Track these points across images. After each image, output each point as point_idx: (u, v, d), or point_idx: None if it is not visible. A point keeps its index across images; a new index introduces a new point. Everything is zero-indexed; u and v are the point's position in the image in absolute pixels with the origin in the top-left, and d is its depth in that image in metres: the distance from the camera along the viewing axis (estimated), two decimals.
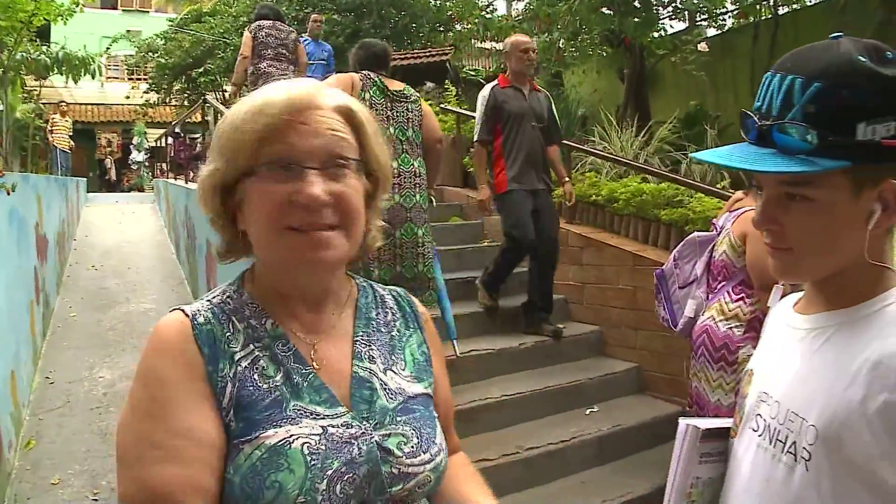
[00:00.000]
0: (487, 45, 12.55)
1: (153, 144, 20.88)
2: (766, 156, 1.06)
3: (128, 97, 22.74)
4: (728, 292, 3.45)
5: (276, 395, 1.11)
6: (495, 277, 5.37)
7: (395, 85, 4.70)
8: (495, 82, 5.50)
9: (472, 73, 13.12)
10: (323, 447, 1.09)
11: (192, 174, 12.46)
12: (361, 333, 1.27)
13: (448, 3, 12.97)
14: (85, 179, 16.46)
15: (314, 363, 1.18)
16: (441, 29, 14.85)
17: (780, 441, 1.12)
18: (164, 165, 16.36)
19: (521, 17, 9.86)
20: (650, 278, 4.16)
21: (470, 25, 10.89)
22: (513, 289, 5.56)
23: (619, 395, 5.12)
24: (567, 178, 5.71)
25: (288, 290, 1.20)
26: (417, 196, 4.51)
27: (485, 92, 5.42)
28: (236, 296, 1.21)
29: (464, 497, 1.35)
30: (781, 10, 9.14)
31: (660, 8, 9.14)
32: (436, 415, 1.27)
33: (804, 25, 8.46)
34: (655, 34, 9.19)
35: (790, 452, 1.10)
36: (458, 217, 7.59)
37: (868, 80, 1.02)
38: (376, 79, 4.56)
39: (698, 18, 10.09)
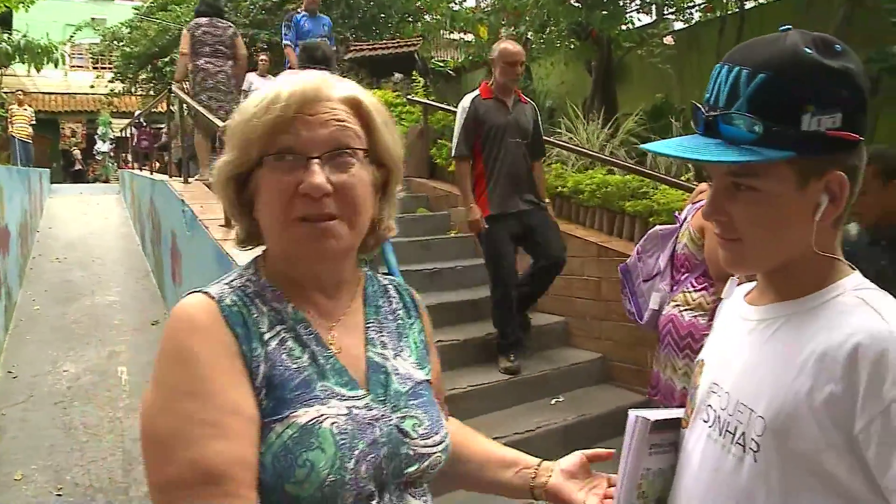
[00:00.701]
0: (456, 36, 12.53)
1: (118, 135, 20.59)
2: (711, 146, 1.07)
3: (92, 86, 22.35)
4: (691, 283, 3.52)
5: (304, 375, 1.14)
6: (503, 333, 5.00)
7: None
8: (476, 93, 5.10)
9: (441, 63, 13.12)
10: (349, 427, 1.11)
11: (157, 164, 12.37)
12: (372, 320, 1.30)
13: None
14: (48, 170, 16.18)
15: (333, 347, 1.21)
16: (410, 20, 14.79)
17: (730, 432, 1.13)
18: (129, 156, 16.17)
19: (489, 10, 9.85)
20: (615, 269, 4.21)
21: (438, 16, 10.87)
22: (482, 280, 5.57)
23: (584, 385, 5.18)
24: (546, 202, 5.26)
25: (302, 278, 1.23)
26: None
27: (465, 103, 5.04)
28: (255, 279, 1.22)
29: (487, 449, 1.48)
30: (748, 5, 9.23)
31: (627, 1, 9.19)
32: (436, 400, 1.31)
33: (770, 20, 8.55)
34: (623, 27, 9.25)
35: (739, 444, 1.10)
36: (425, 209, 7.61)
37: (813, 72, 1.02)
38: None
39: (666, 12, 10.16)
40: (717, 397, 1.18)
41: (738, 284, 1.38)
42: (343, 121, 1.17)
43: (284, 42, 8.86)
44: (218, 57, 7.76)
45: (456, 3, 11.04)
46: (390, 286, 1.42)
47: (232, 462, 1.03)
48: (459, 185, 5.19)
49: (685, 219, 3.69)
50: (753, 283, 1.27)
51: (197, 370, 1.08)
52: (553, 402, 4.79)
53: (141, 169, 12.36)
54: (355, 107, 1.20)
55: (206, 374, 1.07)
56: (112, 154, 23.08)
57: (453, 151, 5.09)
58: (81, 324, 7.45)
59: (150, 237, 8.94)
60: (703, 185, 3.92)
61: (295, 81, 1.17)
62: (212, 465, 1.02)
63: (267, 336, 1.14)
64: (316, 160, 1.13)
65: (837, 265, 1.13)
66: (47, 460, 4.81)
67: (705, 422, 1.20)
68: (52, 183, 16.11)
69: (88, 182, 22.15)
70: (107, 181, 21.26)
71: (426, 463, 1.20)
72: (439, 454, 1.23)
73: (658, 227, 3.99)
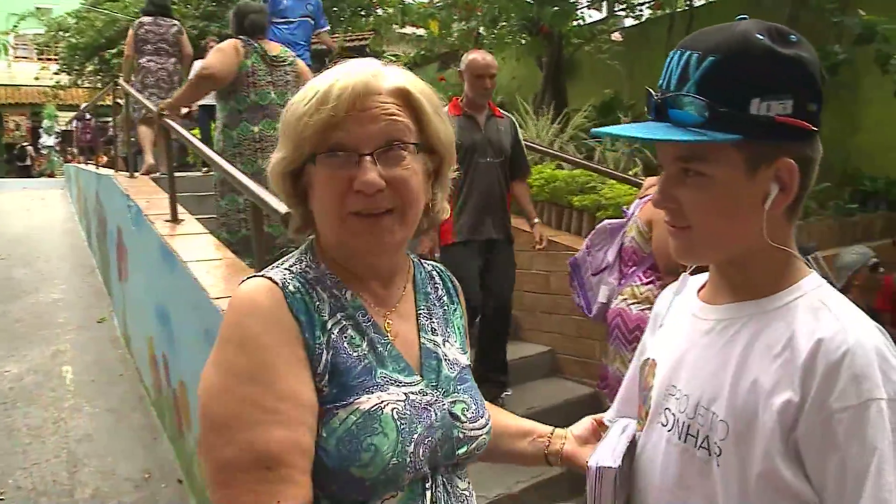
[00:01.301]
0: (408, 30, 12.50)
1: (64, 128, 20.15)
2: (660, 129, 1.07)
3: (37, 78, 21.77)
4: (639, 276, 3.57)
5: (365, 363, 1.18)
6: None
7: (273, 49, 4.92)
8: (443, 109, 4.78)
9: (393, 58, 13.08)
10: (408, 412, 1.16)
11: (104, 159, 12.13)
12: (422, 307, 1.35)
13: None
14: None
15: (390, 334, 1.25)
16: (362, 14, 14.71)
17: (692, 436, 1.11)
18: (75, 150, 15.85)
19: (440, 4, 9.84)
20: (563, 263, 4.27)
21: (390, 11, 10.83)
22: None
23: (532, 379, 5.24)
24: (536, 220, 5.00)
25: (357, 267, 1.26)
26: None
27: None
28: (314, 265, 1.25)
29: (500, 421, 1.52)
30: (697, 2, 9.38)
31: None
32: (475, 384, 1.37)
33: (718, 17, 8.44)
34: (573, 23, 9.32)
35: (704, 447, 1.09)
36: None
37: (764, 57, 1.02)
38: (256, 45, 4.79)
39: (616, 8, 10.26)
40: (675, 400, 1.17)
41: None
42: (393, 115, 1.18)
43: None
44: (160, 55, 7.84)
45: None
46: (434, 272, 1.46)
47: (288, 448, 1.07)
48: None
49: (632, 213, 3.74)
50: (704, 277, 1.27)
51: (259, 356, 1.11)
52: (503, 395, 4.82)
53: (87, 163, 12.10)
54: (405, 97, 1.21)
55: (268, 360, 1.11)
56: (58, 148, 22.58)
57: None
58: (24, 322, 7.27)
59: (96, 233, 8.77)
60: (652, 180, 3.98)
61: (345, 74, 1.18)
62: (269, 449, 1.06)
63: (329, 324, 1.18)
64: (368, 157, 1.15)
65: (794, 263, 1.13)
66: None
67: (664, 426, 1.19)
68: None
69: (34, 176, 21.64)
70: (52, 175, 20.80)
71: (474, 444, 1.27)
72: (485, 436, 1.30)
73: (606, 221, 4.04)
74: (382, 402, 1.15)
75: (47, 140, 23.08)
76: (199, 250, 4.31)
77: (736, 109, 1.02)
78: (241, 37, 4.83)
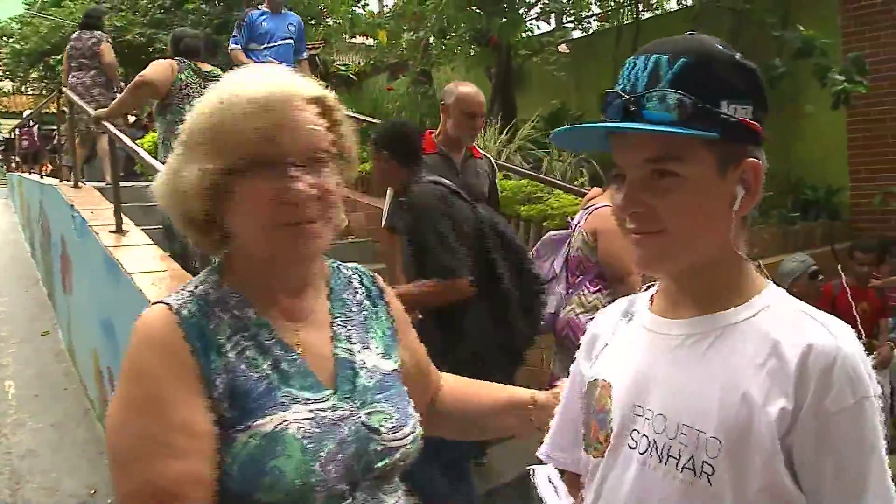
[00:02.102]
0: (358, 40, 12.52)
1: (7, 136, 19.69)
2: (635, 126, 1.05)
3: None
4: (586, 285, 3.62)
5: (266, 384, 1.15)
6: None
7: (207, 67, 5.39)
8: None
9: (343, 67, 13.09)
10: (315, 430, 1.14)
11: (50, 168, 11.89)
12: (338, 315, 1.32)
13: None
14: None
15: (299, 349, 1.22)
16: (312, 23, 14.67)
17: (673, 457, 1.07)
18: (17, 158, 15.49)
19: (389, 14, 9.89)
20: None
21: (339, 20, 10.84)
22: None
23: None
24: None
25: (271, 281, 1.25)
26: None
27: None
28: (217, 286, 1.23)
29: (483, 401, 1.56)
30: (644, 16, 9.57)
31: (526, 9, 9.37)
32: (405, 389, 1.33)
33: (664, 30, 8.73)
34: (523, 34, 9.43)
35: (688, 468, 1.05)
36: None
37: (729, 63, 1.07)
38: (189, 63, 5.24)
39: (565, 20, 10.41)
40: (645, 421, 1.12)
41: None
42: (314, 123, 1.19)
43: (231, 45, 6.76)
44: (82, 69, 7.92)
45: (358, 7, 11.04)
46: (354, 276, 1.43)
47: (183, 481, 1.07)
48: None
49: (577, 223, 3.80)
50: (650, 292, 1.25)
51: (152, 388, 1.11)
52: None
53: (30, 172, 11.86)
54: (322, 105, 1.22)
55: (160, 391, 1.10)
56: (0, 156, 22.04)
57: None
58: None
59: (40, 243, 8.60)
60: (596, 191, 4.04)
61: (263, 83, 1.17)
62: (164, 484, 1.06)
63: (226, 347, 1.16)
64: (297, 167, 1.15)
65: (752, 271, 1.14)
66: None
67: (632, 448, 1.13)
68: None
69: None
70: None
71: (396, 456, 1.23)
72: (409, 446, 1.25)
73: (552, 232, 4.09)
74: (284, 422, 1.12)
75: None
76: (145, 262, 4.27)
77: (709, 108, 1.04)
78: (176, 58, 5.32)
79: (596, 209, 3.68)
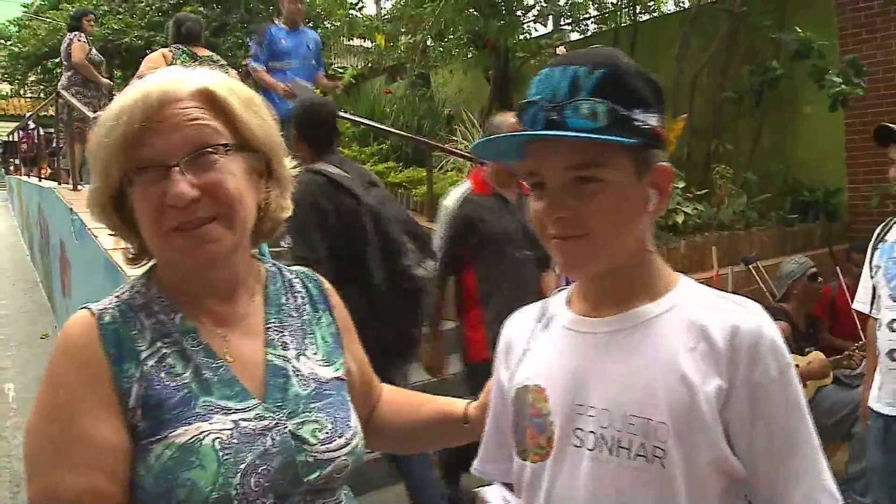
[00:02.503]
0: (355, 42, 12.53)
1: (6, 139, 19.70)
2: (560, 134, 1.08)
3: None
4: None
5: (184, 393, 1.11)
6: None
7: (202, 52, 5.51)
8: (468, 187, 3.78)
9: (340, 70, 13.10)
10: (235, 441, 1.09)
11: (48, 170, 11.90)
12: (273, 320, 1.27)
13: (316, 0, 12.87)
14: None
15: (227, 356, 1.17)
16: (310, 26, 14.70)
17: (624, 447, 1.10)
18: (16, 161, 15.52)
19: (387, 17, 9.90)
20: None
21: (336, 23, 10.85)
22: None
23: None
24: None
25: (193, 286, 1.20)
26: None
27: (449, 201, 3.84)
28: (144, 290, 1.20)
29: (420, 416, 1.50)
30: (641, 18, 9.59)
31: (523, 11, 9.38)
32: (348, 398, 1.28)
33: (661, 32, 8.90)
34: (521, 37, 9.44)
35: (640, 455, 1.09)
36: None
37: (638, 75, 1.12)
38: (185, 48, 5.33)
39: (562, 23, 10.42)
40: (588, 418, 1.14)
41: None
42: (196, 119, 1.13)
43: (253, 64, 6.26)
44: (64, 71, 8.16)
45: (355, 10, 11.05)
46: (296, 280, 1.37)
47: (81, 493, 1.04)
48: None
49: None
50: (562, 296, 1.29)
51: (60, 396, 1.09)
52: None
53: (29, 175, 11.87)
54: (209, 99, 1.16)
55: (67, 400, 1.08)
56: None
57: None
58: None
59: (39, 246, 8.62)
60: None
61: (138, 90, 1.13)
62: (60, 492, 1.04)
63: (144, 355, 1.12)
64: (176, 168, 1.09)
65: (663, 265, 1.21)
66: None
67: (578, 447, 1.15)
68: None
69: None
70: None
71: (329, 468, 1.17)
72: (344, 458, 1.19)
73: None
74: (202, 432, 1.08)
75: None
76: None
77: (626, 116, 1.09)
78: (172, 45, 5.46)
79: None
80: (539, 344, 1.26)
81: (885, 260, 3.16)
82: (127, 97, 1.13)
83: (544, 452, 1.19)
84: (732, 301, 1.15)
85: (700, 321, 1.11)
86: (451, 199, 3.82)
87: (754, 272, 5.77)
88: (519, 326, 1.33)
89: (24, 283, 8.89)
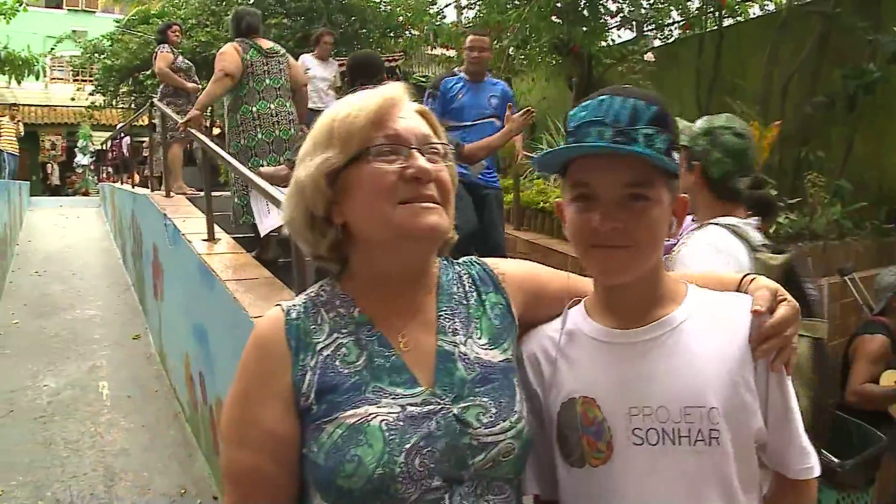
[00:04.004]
0: (438, 51, 12.59)
1: (98, 147, 20.47)
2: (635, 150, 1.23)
3: (73, 99, 22.20)
4: None
5: (355, 379, 1.22)
6: None
7: (267, 44, 5.87)
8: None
9: (422, 79, 13.17)
10: (401, 423, 1.18)
11: (137, 178, 12.31)
12: (444, 308, 1.35)
13: (398, 10, 12.96)
14: (28, 183, 16.07)
15: (402, 345, 1.28)
16: (391, 35, 14.86)
17: (685, 436, 1.25)
18: (109, 169, 16.09)
19: (471, 24, 9.92)
20: None
21: (420, 32, 10.93)
22: None
23: None
24: None
25: (387, 273, 1.30)
26: (292, 130, 5.69)
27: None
28: (329, 288, 1.34)
29: None
30: (726, 23, 9.37)
31: (608, 18, 9.29)
32: (515, 381, 1.33)
33: (747, 38, 8.69)
34: (603, 43, 9.35)
35: (700, 440, 1.24)
36: None
37: (672, 117, 1.29)
38: (251, 42, 5.73)
39: (645, 29, 10.29)
40: (645, 417, 1.27)
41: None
42: (423, 122, 1.31)
43: None
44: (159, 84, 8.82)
45: (438, 19, 11.10)
46: (462, 270, 1.45)
47: (248, 472, 1.23)
48: None
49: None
50: (577, 311, 1.41)
51: (244, 383, 1.27)
52: None
53: (122, 182, 12.29)
54: (423, 114, 1.33)
55: (246, 387, 1.26)
56: (92, 167, 22.92)
57: None
58: (61, 338, 7.39)
59: (132, 251, 8.90)
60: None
61: (374, 90, 1.28)
62: (238, 467, 1.25)
63: (321, 345, 1.25)
64: (416, 149, 1.24)
65: (672, 277, 1.41)
66: (27, 476, 4.76)
67: (639, 444, 1.27)
68: (31, 196, 15.99)
69: (67, 195, 21.96)
70: (87, 194, 21.10)
71: (493, 451, 1.21)
72: (510, 441, 1.23)
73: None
74: (370, 415, 1.17)
75: (82, 159, 23.38)
76: (237, 269, 4.36)
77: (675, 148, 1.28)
78: (237, 38, 5.78)
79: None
80: (571, 358, 1.38)
81: None
82: (365, 94, 1.28)
83: (604, 456, 1.30)
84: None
85: (721, 315, 1.31)
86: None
87: (850, 284, 5.57)
88: (542, 342, 1.43)
89: (117, 286, 9.19)
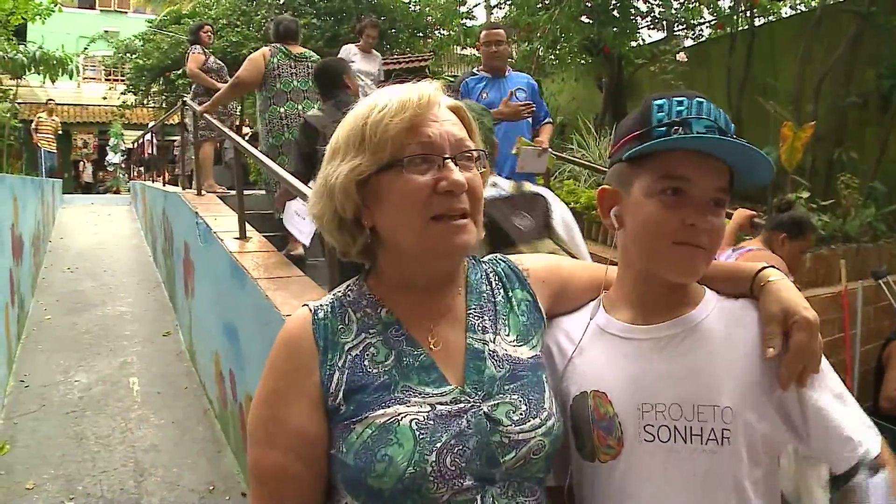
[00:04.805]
0: (467, 51, 12.58)
1: (130, 146, 20.68)
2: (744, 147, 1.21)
3: (105, 98, 22.48)
4: None
5: (384, 379, 1.21)
6: None
7: (297, 49, 6.23)
8: None
9: (451, 78, 13.17)
10: (431, 422, 1.16)
11: (167, 176, 12.41)
12: (474, 306, 1.34)
13: (427, 10, 12.96)
14: (61, 181, 16.27)
15: (431, 344, 1.27)
16: (420, 35, 14.86)
17: (696, 434, 1.24)
18: (140, 168, 16.26)
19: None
20: None
21: (450, 32, 10.92)
22: None
23: None
24: None
25: (415, 278, 1.29)
26: None
27: None
28: (356, 288, 1.33)
29: None
30: (757, 22, 9.27)
31: (638, 18, 9.23)
32: (545, 378, 1.32)
33: (780, 37, 8.59)
34: (633, 43, 9.30)
35: (712, 439, 1.23)
36: None
37: None
38: (281, 47, 6.13)
39: (676, 29, 10.21)
40: (658, 414, 1.27)
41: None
42: (456, 124, 1.25)
43: None
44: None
45: (468, 20, 11.08)
46: (489, 268, 1.44)
47: (275, 472, 1.21)
48: None
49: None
50: (593, 308, 1.41)
51: (272, 382, 1.26)
52: None
53: (153, 180, 12.40)
54: (458, 112, 1.28)
55: (277, 387, 1.25)
56: (123, 165, 23.17)
57: None
58: (92, 334, 7.47)
59: (162, 248, 8.97)
60: (745, 213, 4.05)
61: (409, 88, 1.23)
62: (263, 468, 1.23)
63: (350, 345, 1.25)
64: (450, 159, 1.20)
65: None
66: (59, 470, 4.82)
67: (650, 441, 1.27)
68: (63, 193, 16.18)
69: (98, 193, 22.22)
70: (117, 192, 21.33)
71: (524, 449, 1.20)
72: (540, 438, 1.22)
73: None
74: (400, 414, 1.16)
75: (113, 157, 23.65)
76: (269, 268, 4.36)
77: None
78: (271, 43, 6.26)
79: (750, 251, 3.68)
80: (584, 352, 1.38)
81: None
82: (399, 93, 1.22)
83: (615, 451, 1.29)
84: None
85: (735, 315, 1.30)
86: None
87: (884, 287, 5.48)
88: (555, 334, 1.44)
89: (148, 283, 9.27)
